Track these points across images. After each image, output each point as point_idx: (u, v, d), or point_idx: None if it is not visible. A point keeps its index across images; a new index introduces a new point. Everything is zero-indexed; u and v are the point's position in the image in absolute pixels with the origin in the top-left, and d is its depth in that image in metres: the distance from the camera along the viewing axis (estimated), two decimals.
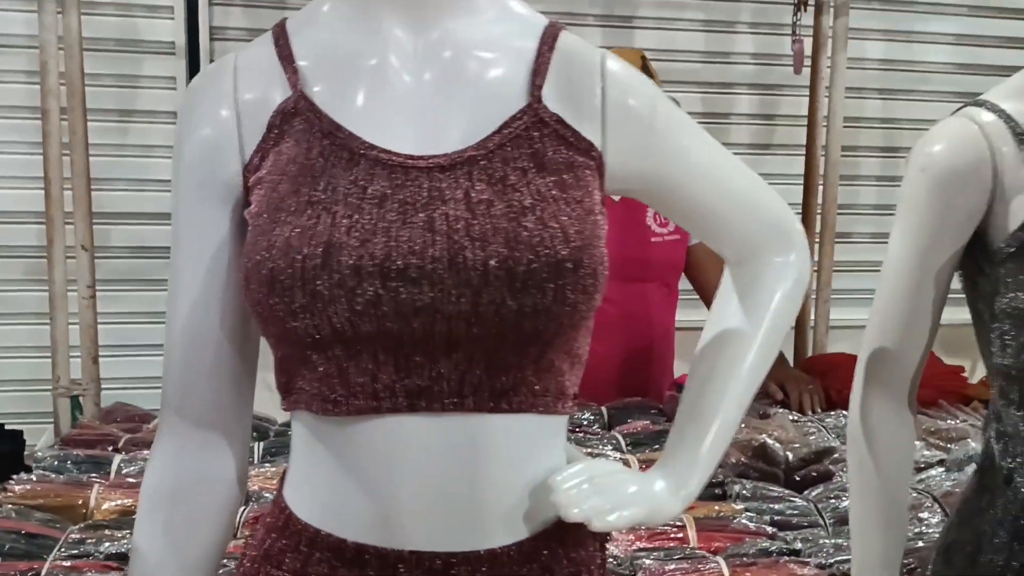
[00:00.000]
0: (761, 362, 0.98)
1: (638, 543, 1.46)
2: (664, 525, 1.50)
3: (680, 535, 1.50)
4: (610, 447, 1.88)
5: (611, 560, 1.40)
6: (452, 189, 0.82)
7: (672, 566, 1.37)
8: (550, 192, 0.83)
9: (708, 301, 2.65)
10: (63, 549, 1.34)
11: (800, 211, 2.59)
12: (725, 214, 0.97)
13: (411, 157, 0.83)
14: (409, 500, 0.85)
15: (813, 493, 1.67)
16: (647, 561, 1.39)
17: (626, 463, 1.78)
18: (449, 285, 0.79)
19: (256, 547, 0.91)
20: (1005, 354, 1.07)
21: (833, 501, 1.61)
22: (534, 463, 0.89)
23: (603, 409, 2.10)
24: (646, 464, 1.77)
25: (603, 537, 0.97)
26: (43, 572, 1.29)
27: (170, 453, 0.93)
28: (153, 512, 0.94)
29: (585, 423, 2.00)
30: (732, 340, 0.97)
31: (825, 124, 2.49)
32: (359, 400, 0.83)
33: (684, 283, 2.34)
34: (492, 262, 0.79)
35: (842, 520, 1.52)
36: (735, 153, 1.00)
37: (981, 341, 1.14)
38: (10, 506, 1.46)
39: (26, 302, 2.65)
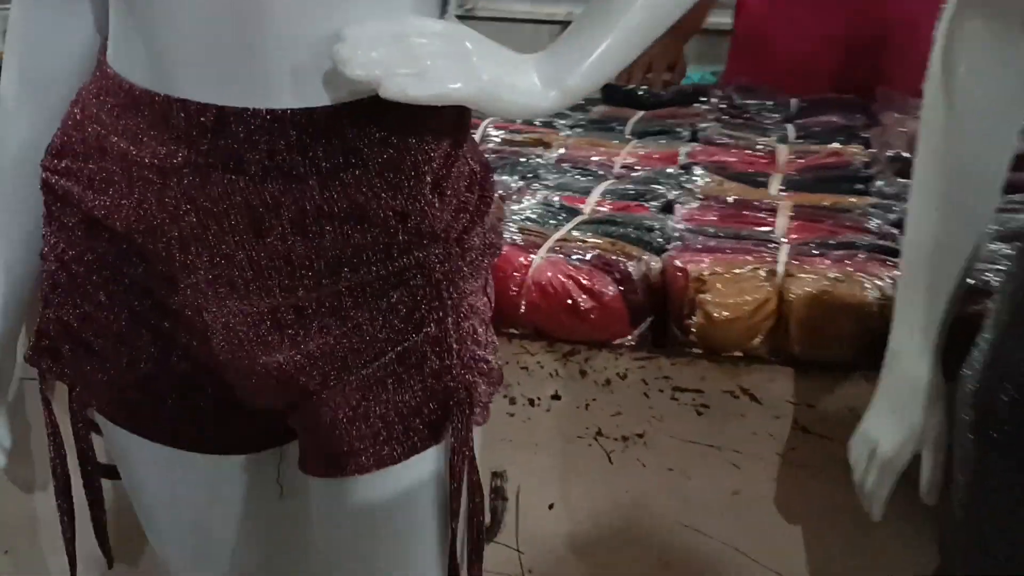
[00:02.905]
0: None
1: (696, 217, 1.21)
2: (746, 210, 1.23)
3: (769, 219, 1.22)
4: (775, 136, 1.58)
5: (649, 230, 1.17)
6: None
7: (714, 243, 1.12)
8: None
9: None
10: None
11: None
12: None
13: None
14: (180, 41, 0.72)
15: None
16: (689, 236, 1.15)
17: (772, 155, 1.49)
18: None
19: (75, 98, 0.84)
20: None
21: (1006, 215, 1.22)
22: (339, 16, 0.70)
23: (792, 100, 1.76)
24: (799, 156, 1.47)
25: (456, 135, 0.78)
26: None
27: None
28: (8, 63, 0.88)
29: (752, 108, 1.69)
30: None
31: None
32: None
33: None
34: None
35: (1004, 237, 1.16)
36: None
37: None
38: None
39: None
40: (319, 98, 0.72)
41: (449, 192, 0.78)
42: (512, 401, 1.12)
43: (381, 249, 0.76)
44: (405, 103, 0.70)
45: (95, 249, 0.82)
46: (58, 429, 0.91)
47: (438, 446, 0.81)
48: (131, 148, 0.76)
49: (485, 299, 0.83)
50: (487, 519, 0.87)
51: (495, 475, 1.14)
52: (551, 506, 1.15)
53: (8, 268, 0.92)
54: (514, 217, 1.21)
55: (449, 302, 0.78)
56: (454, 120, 0.77)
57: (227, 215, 0.74)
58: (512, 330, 1.11)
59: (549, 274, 1.08)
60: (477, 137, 1.55)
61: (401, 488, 0.82)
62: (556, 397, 1.11)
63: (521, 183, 1.34)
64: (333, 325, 0.78)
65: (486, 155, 1.46)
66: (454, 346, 0.79)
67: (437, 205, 0.76)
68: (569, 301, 1.06)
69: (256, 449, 0.92)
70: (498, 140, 1.54)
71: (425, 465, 0.81)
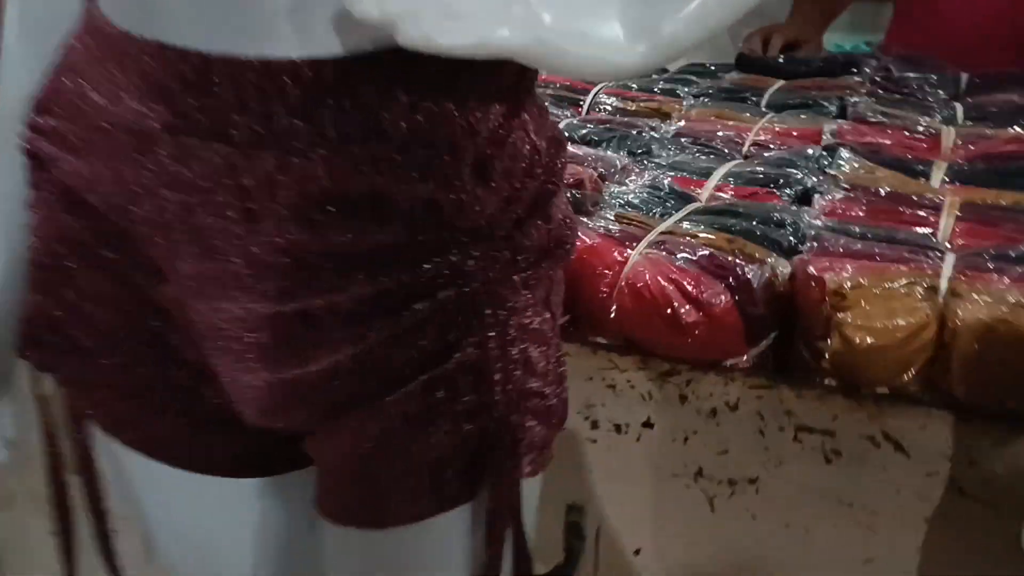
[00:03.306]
0: None
1: (839, 211, 0.98)
2: (902, 205, 1.00)
3: (931, 218, 0.99)
4: (941, 116, 1.33)
5: (779, 225, 0.96)
6: None
7: (860, 247, 0.90)
8: None
9: None
10: None
11: None
12: None
13: None
14: None
15: None
16: (828, 235, 0.93)
17: (936, 139, 1.24)
18: None
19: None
20: None
21: None
22: None
23: (962, 75, 1.50)
24: (969, 141, 1.22)
25: (511, 101, 0.60)
26: None
27: None
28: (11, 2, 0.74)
29: (913, 81, 1.43)
30: None
31: None
32: None
33: None
34: None
35: None
36: None
37: None
38: None
39: None
40: (329, 46, 0.54)
41: (498, 177, 0.59)
42: (594, 424, 0.93)
43: (405, 248, 0.58)
44: (437, 55, 0.52)
45: (75, 227, 0.67)
46: (54, 433, 0.79)
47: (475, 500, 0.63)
48: (108, 105, 0.60)
49: (547, 315, 0.64)
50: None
51: (571, 508, 0.97)
52: (637, 551, 0.96)
53: (7, 235, 0.78)
54: (613, 202, 1.01)
55: (491, 320, 0.60)
56: (510, 80, 0.58)
57: (211, 194, 0.58)
58: (599, 339, 0.92)
59: (647, 276, 0.88)
60: (586, 104, 1.35)
61: (426, 547, 0.65)
62: (648, 425, 0.91)
63: (627, 160, 1.13)
64: (346, 341, 0.60)
65: (593, 125, 1.27)
66: (496, 376, 0.60)
67: (479, 193, 0.58)
68: (669, 311, 0.86)
69: (273, 472, 0.77)
70: (609, 108, 1.34)
71: (456, 522, 0.63)
